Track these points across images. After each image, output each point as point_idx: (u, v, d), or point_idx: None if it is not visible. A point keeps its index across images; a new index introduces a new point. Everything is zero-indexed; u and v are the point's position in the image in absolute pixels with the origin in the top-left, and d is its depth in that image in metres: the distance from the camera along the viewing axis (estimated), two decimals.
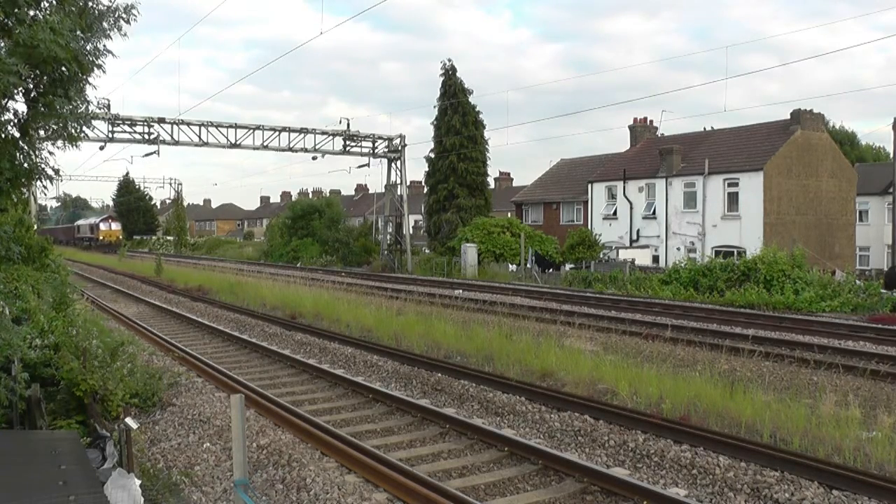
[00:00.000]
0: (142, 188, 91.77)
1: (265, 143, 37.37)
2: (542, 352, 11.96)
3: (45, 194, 14.86)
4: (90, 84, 8.55)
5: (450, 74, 44.29)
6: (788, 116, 36.95)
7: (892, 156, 37.29)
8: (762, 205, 34.20)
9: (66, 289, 13.64)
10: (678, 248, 36.96)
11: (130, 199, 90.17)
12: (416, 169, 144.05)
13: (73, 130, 8.48)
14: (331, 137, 39.17)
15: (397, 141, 41.66)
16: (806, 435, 7.97)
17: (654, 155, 40.29)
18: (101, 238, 77.97)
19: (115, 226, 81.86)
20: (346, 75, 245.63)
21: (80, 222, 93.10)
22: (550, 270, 35.72)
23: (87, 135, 10.02)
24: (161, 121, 34.57)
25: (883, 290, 22.27)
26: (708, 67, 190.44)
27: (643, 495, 6.48)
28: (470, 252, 36.89)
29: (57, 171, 9.00)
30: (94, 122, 28.95)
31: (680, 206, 37.67)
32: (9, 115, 8.32)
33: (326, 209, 53.29)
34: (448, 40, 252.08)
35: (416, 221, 60.79)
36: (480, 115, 44.46)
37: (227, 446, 8.00)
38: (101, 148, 34.49)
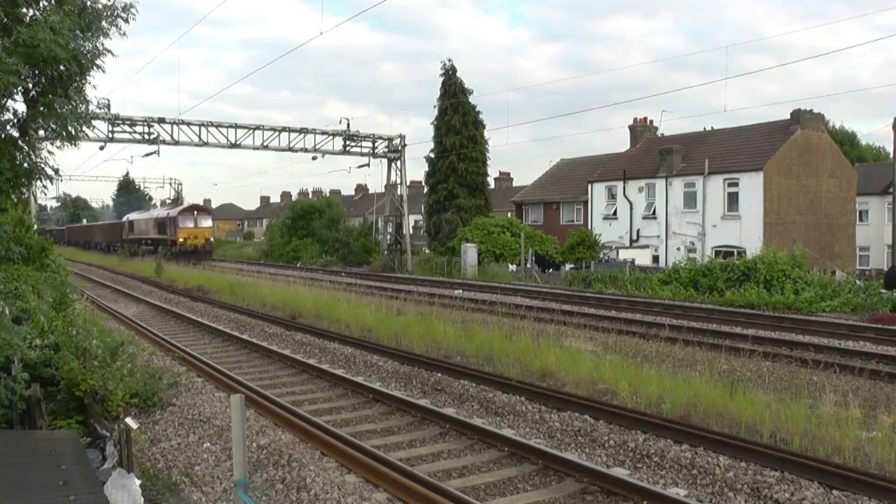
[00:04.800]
0: (142, 188, 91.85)
1: (265, 143, 37.40)
2: (541, 352, 11.94)
3: (45, 194, 14.93)
4: (90, 84, 8.58)
5: (450, 74, 44.28)
6: (788, 116, 36.96)
7: (892, 156, 37.30)
8: (762, 205, 34.20)
9: (66, 289, 13.63)
10: (678, 248, 36.95)
11: (130, 199, 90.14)
12: (416, 169, 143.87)
13: (72, 130, 8.50)
14: (331, 137, 39.19)
15: (397, 141, 41.68)
16: (806, 435, 7.97)
17: (654, 155, 40.27)
18: (181, 241, 47.75)
19: (205, 221, 50.82)
20: (344, 75, 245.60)
21: (133, 216, 60.02)
22: (550, 270, 35.72)
23: (87, 135, 10.03)
24: (161, 121, 34.60)
25: (883, 290, 22.27)
26: (707, 68, 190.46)
27: (643, 495, 6.48)
28: (470, 252, 36.88)
29: (57, 171, 9.04)
30: (94, 122, 28.86)
31: (680, 206, 37.67)
32: (9, 115, 8.33)
33: (326, 209, 53.38)
34: (446, 40, 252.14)
35: (416, 221, 60.78)
36: (480, 115, 44.52)
37: (227, 446, 8.00)
38: (101, 148, 34.63)
